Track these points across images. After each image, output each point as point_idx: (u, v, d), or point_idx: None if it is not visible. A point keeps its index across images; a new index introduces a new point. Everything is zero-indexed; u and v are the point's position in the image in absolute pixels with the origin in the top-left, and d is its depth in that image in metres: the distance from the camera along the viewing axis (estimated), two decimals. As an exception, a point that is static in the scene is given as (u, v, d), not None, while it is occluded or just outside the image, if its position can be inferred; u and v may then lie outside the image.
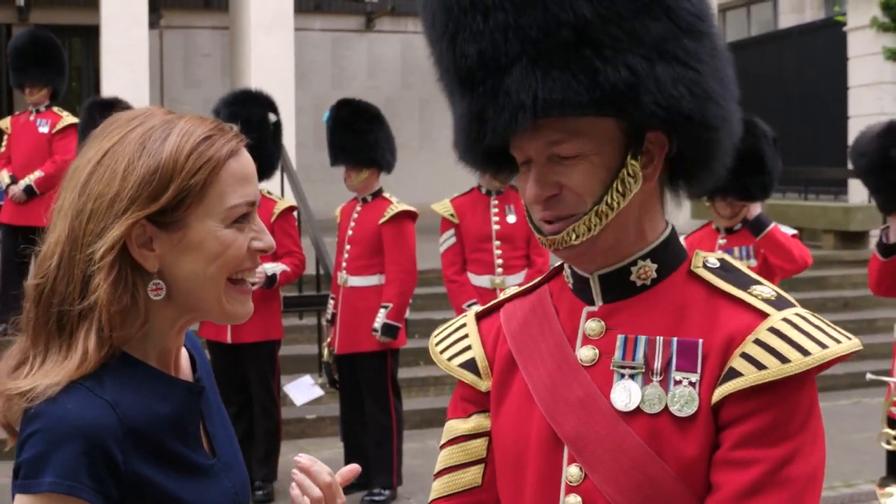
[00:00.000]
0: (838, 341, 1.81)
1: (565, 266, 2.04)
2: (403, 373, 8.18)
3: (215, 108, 7.34)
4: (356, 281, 7.18)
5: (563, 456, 1.91)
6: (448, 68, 1.92)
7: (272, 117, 7.14)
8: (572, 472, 1.90)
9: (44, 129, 9.34)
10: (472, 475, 2.07)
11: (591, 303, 1.97)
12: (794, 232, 6.00)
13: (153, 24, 14.58)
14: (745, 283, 1.91)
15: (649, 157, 1.90)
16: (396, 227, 7.09)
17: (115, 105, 7.85)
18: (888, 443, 5.45)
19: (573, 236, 1.88)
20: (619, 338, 1.91)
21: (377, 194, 7.26)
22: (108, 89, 12.08)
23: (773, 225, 5.77)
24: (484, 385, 2.06)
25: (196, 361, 2.06)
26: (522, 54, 1.82)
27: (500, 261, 6.96)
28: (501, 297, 2.16)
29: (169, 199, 1.82)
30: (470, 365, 2.08)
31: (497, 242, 6.95)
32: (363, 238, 7.19)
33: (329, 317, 7.31)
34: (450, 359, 2.11)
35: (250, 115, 6.87)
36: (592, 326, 1.95)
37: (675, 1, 1.85)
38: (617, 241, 1.91)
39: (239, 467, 2.03)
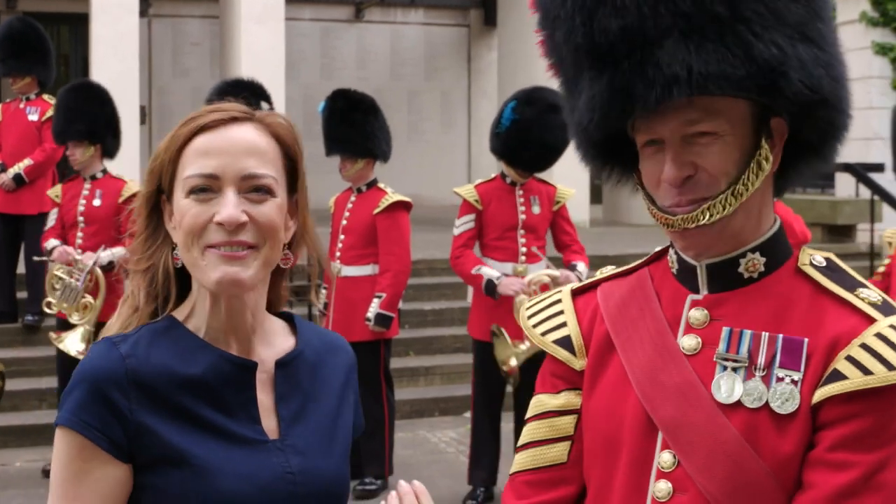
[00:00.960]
0: None
1: (670, 251, 2.04)
2: (394, 363, 8.20)
3: (208, 97, 7.32)
4: (350, 270, 7.19)
5: (657, 442, 1.92)
6: (580, 46, 1.89)
7: (265, 106, 7.13)
8: (665, 458, 1.91)
9: (33, 118, 9.34)
10: (559, 451, 2.06)
11: (696, 291, 1.97)
12: None
13: (142, 12, 14.54)
14: (851, 284, 1.91)
15: (773, 142, 1.91)
16: (391, 218, 7.09)
17: (89, 89, 7.89)
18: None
19: (706, 215, 1.87)
20: (725, 330, 1.91)
21: (372, 184, 7.26)
22: (96, 78, 11.99)
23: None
24: (578, 364, 2.05)
25: (293, 353, 2.11)
26: (674, 27, 1.82)
27: (524, 249, 6.95)
28: (598, 275, 2.15)
29: (156, 175, 2.02)
30: (565, 342, 2.07)
31: (522, 231, 6.96)
32: (357, 228, 7.19)
33: (322, 306, 7.28)
34: (543, 334, 2.10)
35: (242, 103, 6.85)
36: (696, 315, 1.95)
37: None
38: (742, 226, 1.91)
39: (316, 456, 2.06)
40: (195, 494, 1.93)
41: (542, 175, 7.19)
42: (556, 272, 6.82)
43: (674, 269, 2.02)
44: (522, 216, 6.98)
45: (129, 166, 12.16)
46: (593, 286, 2.12)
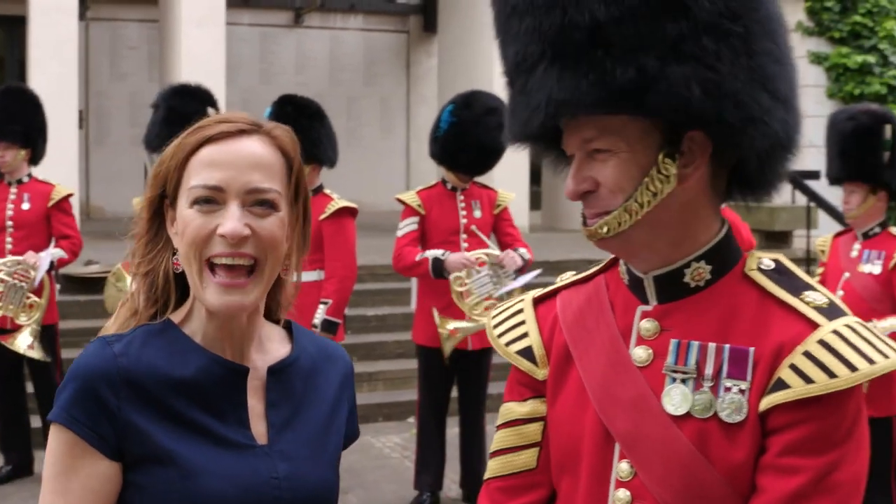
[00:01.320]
0: (886, 356, 1.85)
1: (621, 263, 2.07)
2: (338, 369, 8.19)
3: (154, 102, 7.30)
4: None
5: (615, 452, 1.97)
6: (503, 68, 2.05)
7: (211, 112, 7.10)
8: (623, 467, 1.96)
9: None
10: (527, 458, 2.12)
11: (646, 301, 2.02)
12: None
13: (80, 15, 14.38)
14: (797, 288, 1.94)
15: (691, 157, 1.92)
16: (337, 224, 7.08)
17: (24, 93, 7.82)
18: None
19: (604, 229, 1.94)
20: (672, 342, 1.95)
21: (318, 190, 7.25)
22: (34, 82, 11.91)
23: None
24: (540, 374, 2.10)
25: (287, 361, 2.13)
26: (543, 56, 1.89)
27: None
28: (559, 282, 2.19)
29: (160, 182, 2.05)
30: (527, 353, 2.12)
31: (464, 236, 7.01)
32: (303, 234, 7.16)
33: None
34: (507, 344, 2.15)
35: (189, 109, 6.83)
36: (647, 326, 1.99)
37: (694, 1, 1.85)
38: (654, 240, 1.95)
39: (304, 463, 2.08)
40: (179, 494, 1.95)
41: (483, 179, 7.25)
42: (497, 252, 6.93)
43: (625, 279, 2.06)
44: (464, 220, 7.03)
45: (67, 170, 12.10)
46: (553, 294, 2.17)
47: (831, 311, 1.90)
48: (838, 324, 1.87)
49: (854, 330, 1.87)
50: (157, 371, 1.98)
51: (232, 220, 1.96)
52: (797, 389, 1.82)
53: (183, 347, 2.02)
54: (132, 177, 18.16)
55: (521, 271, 6.94)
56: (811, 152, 14.28)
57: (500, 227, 7.20)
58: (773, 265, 1.99)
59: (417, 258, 6.87)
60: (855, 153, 5.83)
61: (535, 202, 17.53)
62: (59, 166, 11.70)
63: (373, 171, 19.70)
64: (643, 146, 1.90)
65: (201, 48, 13.68)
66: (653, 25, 1.84)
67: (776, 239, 14.40)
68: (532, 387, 2.12)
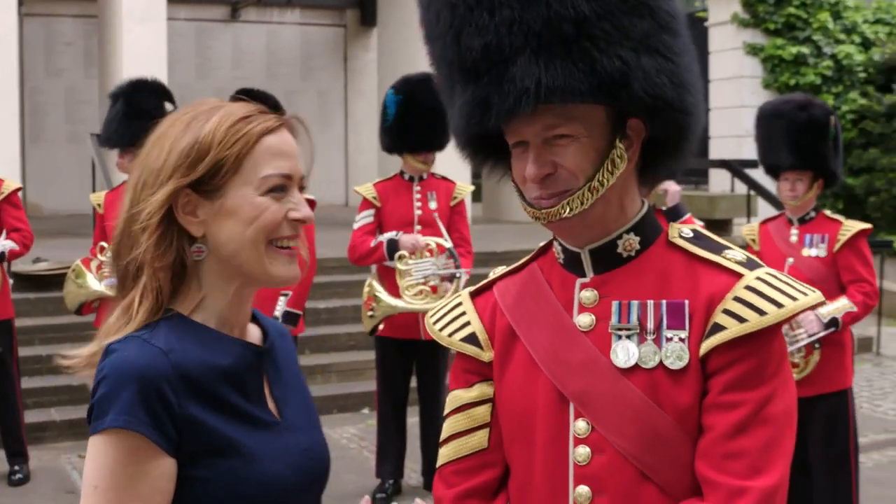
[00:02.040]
0: (805, 294, 2.05)
1: (555, 243, 2.24)
2: (295, 361, 8.22)
3: (111, 95, 7.26)
4: (255, 269, 7.16)
5: (570, 413, 2.12)
6: (452, 61, 2.12)
7: (168, 107, 7.08)
8: (580, 426, 2.11)
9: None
10: (479, 439, 2.26)
11: (583, 275, 2.19)
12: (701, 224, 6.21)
13: (16, 11, 14.24)
14: (717, 248, 2.15)
15: (630, 141, 2.12)
16: (296, 216, 7.11)
17: None
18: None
19: (566, 209, 2.09)
20: (614, 304, 2.13)
21: (276, 183, 7.29)
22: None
23: (687, 215, 5.98)
24: (486, 356, 2.25)
25: (269, 338, 2.20)
26: (526, 46, 2.03)
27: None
28: (492, 276, 2.34)
29: (206, 169, 2.03)
30: (471, 338, 2.27)
31: (419, 227, 7.05)
32: (262, 227, 7.18)
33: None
34: (450, 335, 2.30)
35: (147, 104, 6.82)
36: (587, 296, 2.17)
37: (656, 2, 2.08)
38: (603, 215, 2.12)
39: (311, 430, 2.18)
40: (245, 482, 2.00)
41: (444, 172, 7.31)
42: (448, 245, 7.00)
43: (560, 258, 2.23)
44: (418, 211, 7.08)
45: (8, 166, 11.96)
46: (489, 286, 2.34)
47: (750, 264, 2.11)
48: (760, 272, 2.08)
49: (774, 276, 2.08)
50: (203, 363, 2.00)
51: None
52: (732, 329, 2.01)
53: (209, 337, 2.05)
54: (69, 174, 18.04)
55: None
56: (748, 141, 14.47)
57: (453, 221, 7.25)
58: (691, 233, 2.18)
59: (373, 244, 6.93)
60: (809, 143, 5.98)
61: (477, 195, 17.63)
62: (1, 162, 11.62)
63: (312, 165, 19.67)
64: (599, 132, 2.09)
65: (142, 43, 13.60)
66: (627, 21, 2.05)
67: (716, 227, 14.56)
68: (478, 372, 2.27)
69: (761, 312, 2.01)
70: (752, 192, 13.97)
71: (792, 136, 6.02)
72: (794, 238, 6.10)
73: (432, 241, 6.96)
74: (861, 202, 16.11)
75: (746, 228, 6.59)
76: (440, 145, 7.06)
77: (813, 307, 2.06)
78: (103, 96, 14.26)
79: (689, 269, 2.12)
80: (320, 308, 10.59)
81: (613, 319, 2.12)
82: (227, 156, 2.02)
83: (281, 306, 6.94)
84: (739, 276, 2.07)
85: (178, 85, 18.92)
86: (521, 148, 2.12)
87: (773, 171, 6.17)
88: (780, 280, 2.07)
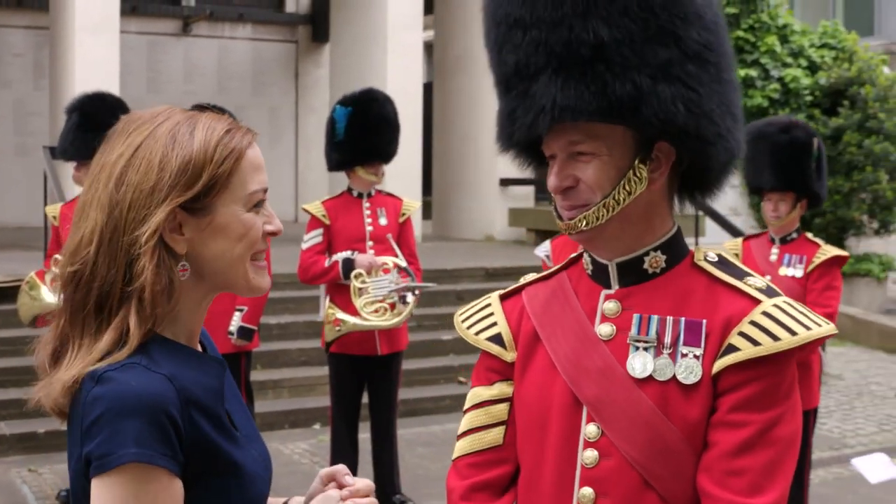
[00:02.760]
0: (819, 325, 2.13)
1: (584, 255, 2.34)
2: (246, 376, 8.23)
3: (67, 108, 7.25)
4: (209, 284, 7.15)
5: (583, 417, 2.22)
6: (495, 74, 2.29)
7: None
8: (590, 430, 2.21)
9: None
10: (495, 435, 2.37)
11: (609, 286, 2.29)
12: None
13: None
14: (740, 274, 2.24)
15: (657, 163, 2.21)
16: (251, 231, 7.11)
17: None
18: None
19: (583, 223, 2.21)
20: (635, 316, 2.23)
21: (234, 198, 7.29)
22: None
23: None
24: (509, 356, 2.37)
25: (206, 347, 2.19)
26: (548, 66, 2.16)
27: None
28: (522, 281, 2.45)
29: (202, 187, 2.00)
30: (496, 339, 2.39)
31: (370, 243, 7.07)
32: (217, 242, 7.18)
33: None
34: (477, 333, 2.41)
35: (103, 117, 6.80)
36: (610, 307, 2.26)
37: (685, 32, 2.16)
38: (622, 232, 2.23)
39: (260, 440, 2.19)
40: (240, 498, 2.02)
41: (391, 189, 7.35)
42: (403, 263, 7.02)
43: (588, 269, 2.34)
44: (370, 227, 7.10)
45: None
46: (518, 290, 2.45)
47: (769, 292, 2.20)
48: (777, 300, 2.17)
49: (791, 305, 2.17)
50: (200, 385, 1.99)
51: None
52: (746, 351, 2.10)
53: (192, 357, 2.04)
54: (19, 186, 17.91)
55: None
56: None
57: (402, 238, 7.28)
58: (716, 258, 2.28)
59: (327, 264, 6.93)
60: (792, 165, 6.11)
61: (427, 212, 17.69)
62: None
63: (262, 181, 19.63)
64: (621, 151, 2.18)
65: (95, 56, 13.56)
66: (648, 49, 2.14)
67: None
68: (500, 371, 2.38)
69: (775, 338, 2.09)
70: (700, 213, 14.11)
71: (775, 158, 6.14)
72: (773, 257, 6.22)
73: (389, 259, 6.99)
74: (806, 223, 16.32)
75: (730, 243, 6.74)
76: (391, 155, 7.13)
77: (823, 338, 2.12)
78: (54, 108, 14.21)
79: (710, 291, 2.21)
80: (272, 324, 10.59)
81: (633, 331, 2.21)
82: (220, 173, 2.01)
83: (236, 321, 6.95)
84: (758, 301, 2.16)
85: (130, 98, 18.71)
86: (552, 160, 2.24)
87: (757, 192, 6.31)
88: (797, 309, 2.15)
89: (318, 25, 20.70)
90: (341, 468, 2.19)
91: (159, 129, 2.02)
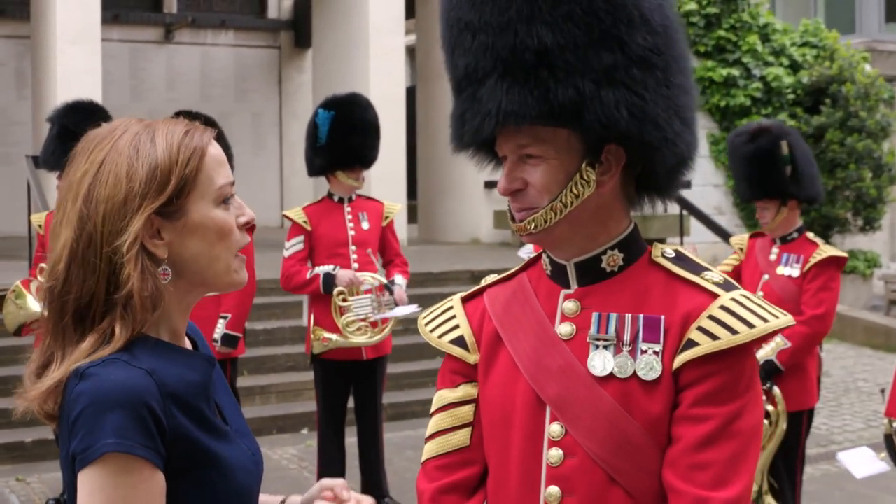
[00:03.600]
0: (777, 317, 2.16)
1: (543, 256, 2.36)
2: (234, 382, 8.22)
3: (49, 118, 7.25)
4: (195, 291, 7.15)
5: (546, 416, 2.23)
6: (449, 75, 2.28)
7: (107, 128, 7.07)
8: (554, 429, 2.23)
9: None
10: (461, 437, 2.38)
11: (568, 286, 2.31)
12: None
13: (-53, 32, 14.18)
14: (697, 269, 2.26)
15: (607, 166, 2.22)
16: (235, 238, 7.12)
17: None
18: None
19: (532, 225, 2.23)
20: (594, 315, 2.25)
21: (217, 204, 7.29)
22: None
23: None
24: (472, 358, 2.38)
25: (198, 344, 2.23)
26: (494, 70, 2.17)
27: (356, 264, 7.05)
28: (483, 283, 2.46)
29: (173, 190, 2.03)
30: (459, 341, 2.40)
31: (353, 247, 7.07)
32: (201, 248, 7.18)
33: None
34: (440, 336, 2.44)
35: (83, 126, 6.77)
36: (569, 306, 2.28)
37: (630, 36, 2.16)
38: (573, 233, 2.24)
39: (250, 435, 2.22)
40: (225, 494, 2.04)
41: (361, 193, 7.33)
42: (383, 280, 7.06)
43: (548, 270, 2.36)
44: (352, 232, 7.10)
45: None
46: (480, 292, 2.47)
47: (727, 286, 2.22)
48: (735, 294, 2.19)
49: (748, 298, 2.19)
50: (182, 380, 2.01)
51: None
52: (705, 346, 2.12)
53: (175, 353, 2.07)
54: (3, 196, 17.84)
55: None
56: (681, 162, 14.76)
57: (385, 240, 7.30)
58: (673, 254, 2.30)
59: (308, 276, 6.93)
60: (759, 174, 6.12)
61: (413, 215, 17.70)
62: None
63: (246, 188, 19.52)
64: (569, 154, 2.19)
65: (76, 65, 13.55)
66: (591, 54, 2.14)
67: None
68: (464, 373, 2.40)
69: (733, 331, 2.12)
70: (685, 213, 14.15)
71: (746, 169, 6.18)
72: (773, 256, 6.24)
73: (369, 276, 6.99)
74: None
75: (736, 238, 6.77)
76: (372, 160, 7.12)
77: (781, 330, 2.15)
78: (36, 118, 14.18)
79: (668, 287, 2.23)
80: (258, 329, 10.59)
81: (592, 330, 2.23)
82: (187, 173, 2.04)
83: (220, 328, 6.94)
84: (715, 296, 2.18)
85: (113, 106, 18.65)
86: (504, 161, 2.26)
87: (747, 202, 6.38)
88: (754, 302, 2.18)
89: (300, 31, 20.70)
90: (341, 482, 2.25)
91: (120, 141, 2.05)
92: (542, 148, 2.18)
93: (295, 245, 7.09)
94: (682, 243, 13.49)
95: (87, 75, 13.49)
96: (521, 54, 2.14)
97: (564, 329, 2.26)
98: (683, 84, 2.25)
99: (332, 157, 7.08)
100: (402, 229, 16.05)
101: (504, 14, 2.15)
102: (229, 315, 6.97)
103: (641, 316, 2.20)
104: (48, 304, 2.06)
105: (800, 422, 6.08)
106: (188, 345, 2.19)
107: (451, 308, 2.47)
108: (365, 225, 7.15)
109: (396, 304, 7.01)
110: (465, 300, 2.47)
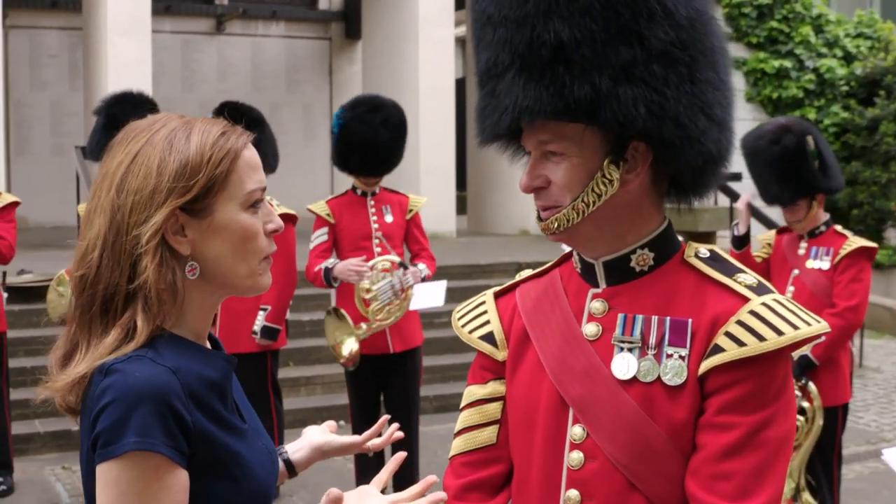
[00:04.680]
0: (809, 324, 2.07)
1: (574, 253, 2.31)
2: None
3: (96, 109, 7.29)
4: (235, 282, 7.16)
5: (569, 418, 2.20)
6: (475, 68, 2.26)
7: (152, 119, 7.09)
8: (576, 431, 2.18)
9: None
10: (488, 434, 2.36)
11: (596, 285, 2.25)
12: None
13: None
14: (730, 271, 2.18)
15: (633, 164, 2.14)
16: (276, 230, 7.11)
17: None
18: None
19: (555, 224, 2.17)
20: (620, 316, 2.19)
21: (258, 197, 7.29)
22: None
23: None
24: (500, 355, 2.35)
25: (218, 345, 2.25)
26: (512, 65, 2.13)
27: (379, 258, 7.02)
28: (517, 278, 2.43)
29: (200, 188, 2.04)
30: (488, 337, 2.37)
31: (376, 240, 7.02)
32: (242, 239, 7.19)
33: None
34: (471, 332, 2.40)
35: (129, 117, 6.80)
36: (597, 306, 2.23)
37: (650, 30, 2.08)
38: (599, 232, 2.18)
39: (264, 433, 2.23)
40: (247, 491, 2.05)
41: (410, 184, 7.29)
42: (396, 259, 6.96)
43: (577, 267, 2.30)
44: (375, 225, 7.06)
45: (-6, 180, 11.97)
46: (513, 287, 2.42)
47: (760, 289, 2.14)
48: (767, 298, 2.10)
49: (780, 303, 2.10)
50: (203, 379, 2.02)
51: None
52: (731, 352, 2.05)
53: (196, 351, 2.08)
54: (54, 186, 18.03)
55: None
56: (734, 154, 14.61)
57: (410, 234, 7.24)
58: (708, 254, 2.23)
59: (315, 269, 6.91)
60: (792, 175, 6.03)
61: (462, 207, 17.68)
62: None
63: (296, 178, 19.67)
64: (592, 152, 2.13)
65: (127, 56, 13.64)
66: (609, 49, 2.07)
67: (700, 239, 14.58)
68: (493, 369, 2.36)
69: (761, 338, 2.04)
70: (735, 205, 14.01)
71: (775, 172, 6.07)
72: (801, 250, 6.18)
73: (379, 260, 6.91)
74: (844, 215, 16.19)
75: (763, 235, 6.68)
76: (377, 173, 7.07)
77: (814, 337, 2.06)
78: (88, 109, 14.27)
79: (698, 289, 2.16)
80: (304, 320, 10.60)
81: (617, 331, 2.17)
82: (217, 174, 2.05)
83: (260, 321, 6.95)
84: (746, 299, 2.10)
85: (164, 98, 18.96)
86: (529, 157, 2.21)
87: (778, 203, 6.23)
88: (786, 308, 2.09)
89: (351, 22, 20.73)
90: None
91: (156, 135, 2.07)
92: (563, 145, 2.13)
93: (318, 237, 7.08)
94: (732, 235, 13.36)
95: (138, 66, 13.58)
96: (538, 49, 2.09)
97: (590, 329, 2.21)
98: (712, 79, 2.15)
99: (338, 159, 7.12)
100: (450, 221, 16.08)
101: (521, 8, 2.11)
102: (269, 307, 6.98)
103: (668, 319, 2.13)
104: (78, 292, 2.07)
105: (835, 417, 6.01)
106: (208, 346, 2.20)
107: (483, 303, 2.43)
108: (388, 218, 7.11)
109: (412, 281, 6.93)
110: (497, 295, 2.43)
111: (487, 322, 2.38)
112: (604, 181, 2.12)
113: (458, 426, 2.40)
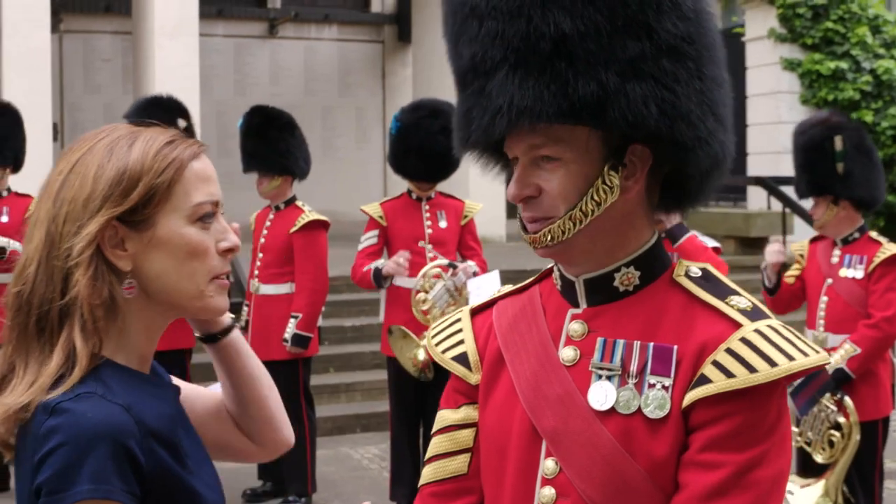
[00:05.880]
0: (806, 354, 1.87)
1: (555, 268, 2.10)
2: (315, 379, 8.18)
3: (126, 114, 7.26)
4: (267, 289, 7.16)
5: (541, 450, 1.99)
6: (453, 69, 2.04)
7: (181, 123, 7.06)
8: (549, 465, 1.98)
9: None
10: (459, 463, 2.15)
11: (577, 305, 2.04)
12: (715, 245, 6.07)
13: (53, 28, 14.35)
14: (723, 292, 1.98)
15: (632, 169, 1.96)
16: (307, 237, 7.07)
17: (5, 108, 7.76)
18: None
19: (548, 237, 1.96)
20: (599, 340, 1.98)
21: (290, 202, 7.25)
22: (6, 94, 11.84)
23: (688, 235, 5.76)
24: (474, 378, 2.14)
25: (157, 370, 2.10)
26: (505, 61, 1.91)
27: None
28: (496, 294, 2.22)
29: (139, 197, 1.92)
30: (462, 358, 2.16)
31: (429, 245, 6.95)
32: (275, 246, 7.18)
33: (243, 323, 7.19)
34: (443, 351, 2.19)
35: (160, 120, 6.78)
36: (575, 328, 2.02)
37: (658, 23, 1.91)
38: (594, 245, 1.98)
39: (208, 459, 2.08)
40: None
41: (459, 188, 7.22)
42: (445, 261, 6.83)
43: (558, 284, 2.09)
44: (429, 230, 6.99)
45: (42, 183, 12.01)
46: (490, 304, 2.21)
47: (754, 314, 1.94)
48: (760, 324, 1.91)
49: (775, 330, 1.91)
50: (158, 414, 1.90)
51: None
52: (718, 384, 1.85)
53: (144, 382, 1.96)
54: (107, 189, 18.15)
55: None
56: (786, 158, 14.32)
57: (463, 240, 7.16)
58: (699, 273, 2.03)
59: (364, 269, 6.84)
60: (808, 167, 5.88)
61: (512, 211, 17.54)
62: (35, 179, 11.64)
63: (348, 182, 19.69)
64: (589, 157, 1.94)
65: (175, 59, 13.65)
66: (616, 42, 1.89)
67: (752, 245, 14.44)
68: (466, 393, 2.16)
69: (752, 369, 1.84)
70: (788, 210, 13.79)
71: (798, 161, 5.95)
72: (835, 259, 5.98)
73: (432, 266, 6.79)
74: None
75: (796, 245, 6.49)
76: (432, 180, 6.99)
77: (812, 369, 1.88)
78: (138, 112, 14.35)
79: (685, 312, 1.96)
80: (346, 326, 10.56)
81: (595, 357, 1.97)
82: (158, 183, 1.93)
83: (290, 328, 6.90)
84: (738, 325, 1.91)
85: (217, 101, 19.16)
86: (515, 163, 2.00)
87: (801, 195, 6.11)
88: (781, 335, 1.90)
89: (403, 25, 20.67)
90: None
91: (99, 143, 1.96)
92: (558, 149, 1.93)
93: (368, 239, 7.03)
94: (784, 242, 13.16)
95: (186, 69, 13.57)
96: (536, 43, 1.88)
97: (567, 353, 2.00)
98: (716, 76, 1.99)
99: (394, 163, 7.05)
100: (500, 225, 15.98)
101: None
102: (300, 314, 6.92)
103: (651, 345, 1.93)
104: (14, 310, 1.93)
105: (875, 432, 5.81)
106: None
107: (459, 321, 2.21)
108: (442, 224, 7.03)
109: (464, 278, 6.79)
110: (474, 312, 2.21)
111: (462, 342, 2.17)
112: (604, 188, 1.93)
113: (429, 453, 2.19)
